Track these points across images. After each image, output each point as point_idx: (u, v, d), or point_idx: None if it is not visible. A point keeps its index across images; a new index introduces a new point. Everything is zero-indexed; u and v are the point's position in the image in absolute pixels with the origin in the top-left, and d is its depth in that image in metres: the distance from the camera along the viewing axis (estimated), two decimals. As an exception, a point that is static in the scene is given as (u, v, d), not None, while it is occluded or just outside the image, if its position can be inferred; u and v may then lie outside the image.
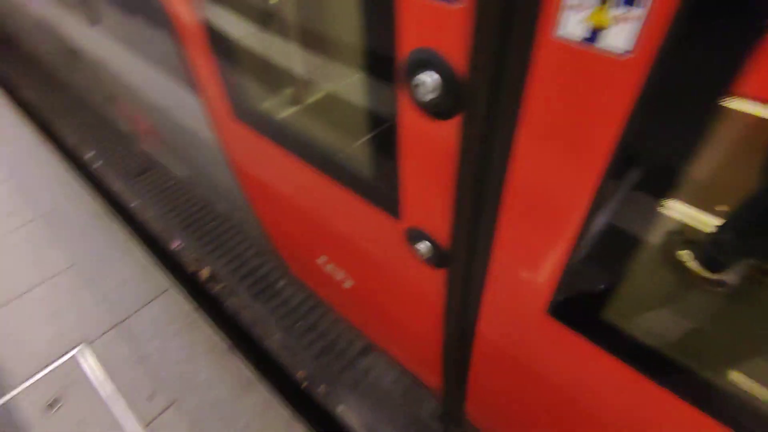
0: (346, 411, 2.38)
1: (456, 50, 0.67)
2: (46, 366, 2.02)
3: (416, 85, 0.73)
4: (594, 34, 0.53)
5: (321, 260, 1.66)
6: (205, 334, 2.12)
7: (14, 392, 1.94)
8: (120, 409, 1.87)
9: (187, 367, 1.99)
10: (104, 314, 2.21)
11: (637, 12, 0.48)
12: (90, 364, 2.02)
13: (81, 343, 2.10)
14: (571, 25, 0.54)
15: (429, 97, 0.73)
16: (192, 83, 1.49)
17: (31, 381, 1.98)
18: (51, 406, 1.90)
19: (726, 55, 0.47)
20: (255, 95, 1.36)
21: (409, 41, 0.72)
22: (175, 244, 3.14)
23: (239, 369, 1.99)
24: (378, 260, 1.33)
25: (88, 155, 3.85)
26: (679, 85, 0.50)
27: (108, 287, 2.33)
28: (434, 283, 1.12)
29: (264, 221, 1.89)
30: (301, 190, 1.42)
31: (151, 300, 2.26)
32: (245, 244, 3.13)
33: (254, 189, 1.70)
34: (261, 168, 1.52)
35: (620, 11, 0.49)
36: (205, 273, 3.00)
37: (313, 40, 1.36)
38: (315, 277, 1.95)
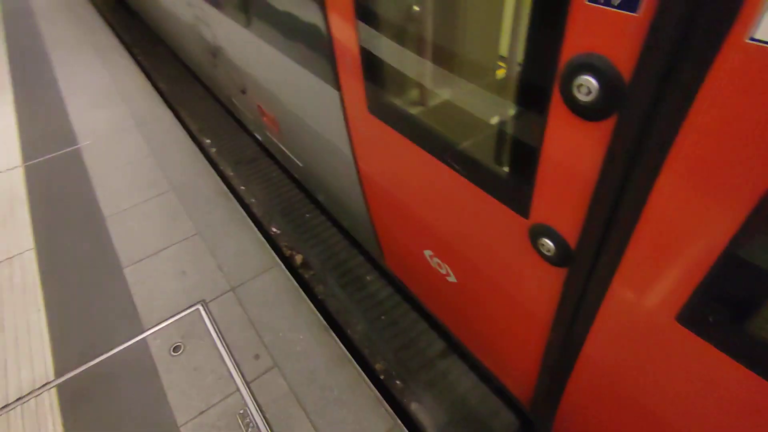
0: (420, 409, 2.44)
1: (625, 55, 0.70)
2: (172, 316, 2.34)
3: (577, 86, 0.77)
4: None
5: (427, 253, 1.74)
6: (305, 310, 2.31)
7: (148, 332, 2.27)
8: (230, 363, 2.10)
9: (288, 335, 2.19)
10: (221, 279, 2.50)
11: None
12: (208, 319, 2.30)
13: (201, 300, 2.40)
14: (764, 32, 0.55)
15: (587, 98, 0.77)
16: (333, 80, 1.64)
17: (161, 326, 2.29)
18: (175, 349, 2.19)
19: None
20: (393, 92, 1.47)
21: (573, 46, 0.77)
22: (273, 229, 3.44)
23: (333, 345, 2.15)
24: (490, 257, 1.37)
25: (206, 141, 4.36)
26: None
27: (225, 256, 2.63)
28: (550, 282, 1.14)
29: (374, 210, 2.01)
30: (423, 184, 1.49)
31: (261, 273, 2.52)
32: (336, 238, 3.35)
33: (373, 179, 1.82)
34: (386, 160, 1.63)
35: None
36: (298, 259, 3.26)
37: (455, 42, 1.45)
38: (414, 270, 2.03)
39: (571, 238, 0.99)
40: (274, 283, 2.46)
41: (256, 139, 4.28)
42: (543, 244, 1.06)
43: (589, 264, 0.97)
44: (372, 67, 1.38)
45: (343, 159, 1.94)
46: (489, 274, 1.43)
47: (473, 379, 2.50)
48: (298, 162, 2.79)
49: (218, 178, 3.24)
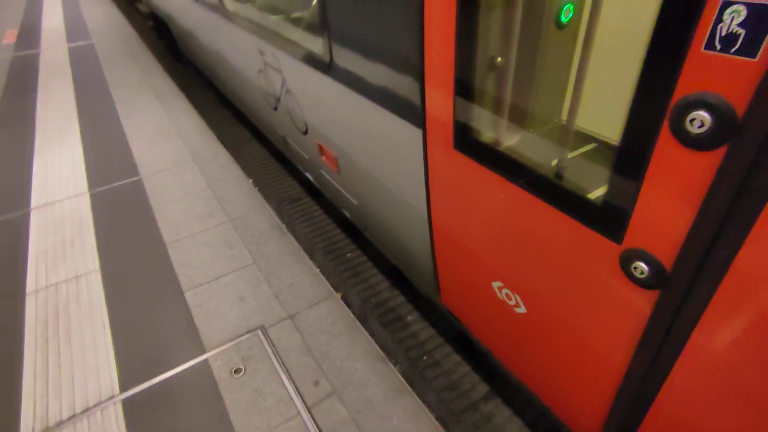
0: (465, 451, 2.44)
1: (739, 94, 0.82)
2: (233, 339, 2.44)
3: (690, 120, 0.89)
4: None
5: (496, 285, 1.84)
6: (362, 340, 2.41)
7: (209, 354, 2.37)
8: (290, 387, 2.18)
9: (346, 364, 2.28)
10: (278, 307, 2.62)
11: None
12: (267, 344, 2.40)
13: (261, 326, 2.51)
14: None
15: (699, 131, 0.88)
16: (419, 119, 1.77)
17: (222, 348, 2.40)
18: (236, 372, 2.28)
19: None
20: (481, 127, 1.59)
21: (689, 85, 0.89)
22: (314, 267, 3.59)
23: (391, 375, 2.23)
24: (570, 283, 1.42)
25: (249, 181, 4.63)
26: None
27: (281, 285, 2.77)
28: (637, 306, 1.20)
29: (439, 245, 2.13)
30: (504, 217, 1.57)
31: (318, 302, 2.64)
32: (378, 278, 3.46)
33: (446, 216, 1.94)
34: (466, 195, 1.72)
35: None
36: (339, 296, 3.37)
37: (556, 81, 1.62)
38: (476, 303, 2.11)
39: (667, 260, 1.08)
40: (330, 313, 2.57)
41: (300, 181, 4.53)
42: (636, 267, 1.15)
43: (685, 285, 1.05)
44: (462, 108, 1.54)
45: (414, 197, 2.06)
46: (566, 302, 1.48)
47: (519, 424, 2.51)
48: (353, 200, 2.97)
49: (272, 213, 3.44)
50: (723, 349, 1.08)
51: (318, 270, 2.92)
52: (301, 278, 2.83)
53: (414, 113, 1.78)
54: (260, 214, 3.43)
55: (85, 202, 3.66)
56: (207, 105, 6.43)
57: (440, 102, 1.60)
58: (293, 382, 2.21)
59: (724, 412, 1.15)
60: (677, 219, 1.02)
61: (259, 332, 2.47)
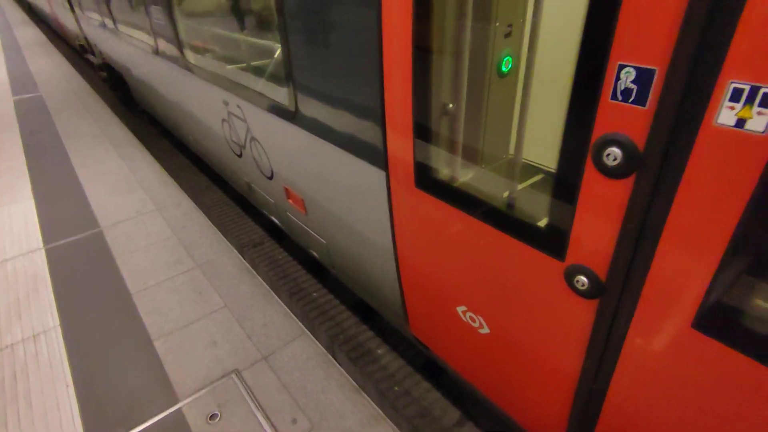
0: (441, 476, 2.52)
1: (639, 134, 1.03)
2: (207, 385, 2.45)
3: (607, 155, 1.09)
4: (741, 122, 0.87)
5: (460, 309, 2.02)
6: (335, 373, 2.49)
7: (183, 403, 2.35)
8: (268, 428, 2.21)
9: (322, 397, 2.34)
10: (252, 348, 2.66)
11: None
12: (242, 387, 2.42)
13: (235, 369, 2.53)
14: (726, 117, 0.88)
15: (614, 163, 1.08)
16: (382, 162, 1.92)
17: (196, 395, 2.39)
18: (212, 418, 2.28)
19: None
20: (439, 166, 1.76)
21: (603, 127, 1.09)
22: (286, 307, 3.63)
23: (367, 405, 2.31)
24: (527, 299, 1.57)
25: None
26: None
27: (254, 326, 2.81)
28: (583, 315, 1.38)
29: (406, 277, 2.25)
30: (465, 246, 1.73)
31: (290, 341, 2.70)
32: (344, 315, 3.55)
33: (411, 249, 2.06)
34: (428, 229, 1.86)
35: (758, 109, 0.85)
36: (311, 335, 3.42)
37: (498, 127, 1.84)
38: (442, 328, 2.26)
39: (602, 272, 1.26)
40: (303, 350, 2.64)
41: (262, 224, 4.60)
42: (578, 280, 1.32)
43: (618, 292, 1.24)
44: (420, 150, 1.72)
45: (379, 233, 2.19)
46: (523, 317, 1.63)
47: (491, 442, 2.63)
48: (321, 239, 3.10)
49: (240, 257, 3.50)
50: (653, 344, 1.26)
51: (287, 309, 2.99)
52: (273, 318, 2.89)
53: (377, 156, 1.94)
54: (229, 258, 3.48)
55: (41, 258, 3.55)
56: (164, 153, 6.42)
57: (401, 146, 1.78)
58: (271, 422, 2.24)
59: (663, 402, 1.31)
60: (606, 236, 1.21)
61: (234, 375, 2.49)
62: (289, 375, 2.48)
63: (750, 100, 0.86)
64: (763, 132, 0.86)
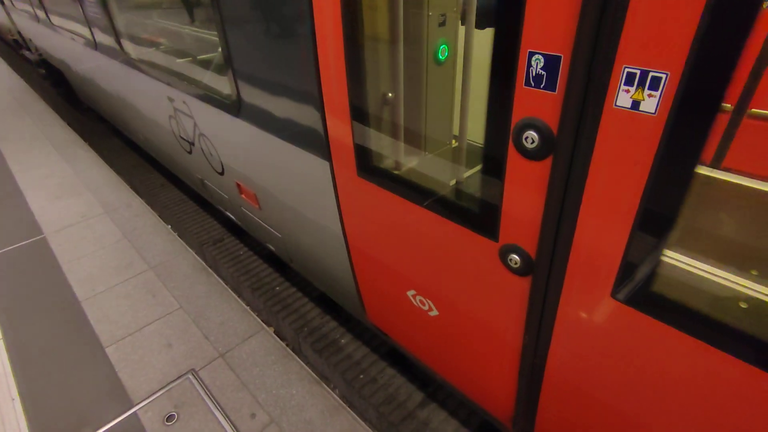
0: (406, 458, 2.59)
1: (552, 118, 1.09)
2: (162, 388, 2.40)
3: (525, 138, 1.15)
4: (636, 103, 0.95)
5: (410, 293, 2.05)
6: (295, 366, 2.49)
7: (137, 407, 2.30)
8: (227, 425, 2.20)
9: (282, 391, 2.35)
10: (208, 347, 2.62)
11: (659, 92, 0.91)
12: (199, 386, 2.39)
13: (191, 369, 2.49)
14: (623, 100, 0.96)
15: (532, 146, 1.15)
16: (325, 153, 1.95)
17: (151, 398, 2.34)
18: (169, 419, 2.24)
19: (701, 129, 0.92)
20: (379, 154, 1.80)
21: (520, 112, 1.16)
22: (243, 305, 3.59)
23: (327, 396, 2.34)
24: (468, 280, 1.63)
25: (168, 227, 4.51)
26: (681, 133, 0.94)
27: (211, 326, 2.77)
28: (518, 291, 1.45)
29: (358, 266, 2.26)
30: (407, 232, 1.78)
31: (248, 338, 2.68)
32: (308, 307, 3.55)
33: (359, 237, 2.08)
34: (372, 216, 1.89)
35: (648, 92, 0.93)
36: (270, 330, 3.40)
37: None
38: (396, 314, 2.31)
39: (532, 250, 1.33)
40: (262, 345, 2.63)
41: (221, 221, 4.51)
42: (511, 259, 1.39)
43: (547, 268, 1.30)
44: (361, 139, 1.74)
45: (329, 222, 2.21)
46: (467, 297, 1.70)
47: (455, 424, 2.72)
48: (276, 233, 3.07)
49: (195, 255, 3.42)
50: (582, 317, 1.34)
51: (248, 307, 2.96)
52: (231, 315, 2.85)
53: (320, 147, 1.96)
54: (183, 258, 3.39)
55: (-22, 269, 3.35)
56: (115, 153, 6.14)
57: (341, 136, 1.80)
58: (229, 419, 2.23)
59: (597, 372, 1.37)
60: (532, 216, 1.28)
61: (190, 375, 2.45)
62: (247, 371, 2.47)
63: (641, 84, 0.93)
64: (653, 113, 0.94)
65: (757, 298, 1.32)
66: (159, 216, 4.02)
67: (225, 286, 3.12)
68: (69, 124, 6.12)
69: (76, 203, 4.16)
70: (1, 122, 6.09)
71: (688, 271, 1.43)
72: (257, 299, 3.59)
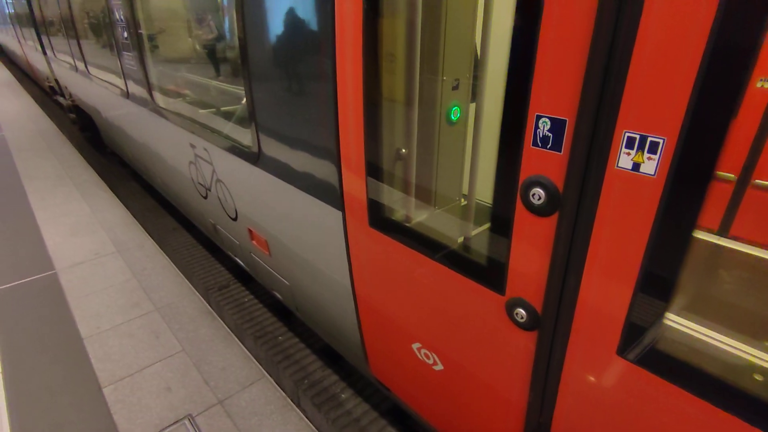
0: None
1: (558, 176, 1.14)
2: (160, 431, 2.35)
3: (533, 195, 1.19)
4: (637, 165, 1.00)
5: (415, 346, 2.00)
6: (296, 418, 2.44)
7: (130, 452, 2.24)
8: (221, 477, 2.12)
9: (280, 444, 2.28)
10: (208, 393, 2.58)
11: (657, 156, 0.97)
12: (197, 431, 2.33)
13: (188, 415, 2.44)
14: (625, 161, 1.01)
15: (539, 202, 1.19)
16: (338, 203, 2.02)
17: (145, 444, 2.28)
18: (161, 468, 2.17)
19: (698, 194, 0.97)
20: (390, 207, 1.83)
21: (528, 170, 1.21)
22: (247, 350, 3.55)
23: (325, 451, 2.26)
24: (474, 333, 1.63)
25: (178, 269, 4.56)
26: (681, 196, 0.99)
27: (211, 371, 2.75)
28: (524, 347, 1.44)
29: (364, 317, 2.26)
30: (416, 283, 1.80)
31: (249, 385, 2.65)
32: (310, 359, 3.50)
33: (367, 288, 2.09)
34: (382, 267, 1.93)
35: (647, 155, 0.98)
36: (271, 379, 3.34)
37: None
38: (400, 368, 2.27)
39: (538, 305, 1.33)
40: (262, 394, 2.59)
41: (229, 268, 4.56)
42: (517, 313, 1.40)
43: (553, 324, 1.31)
44: (374, 192, 1.82)
45: (338, 271, 2.24)
46: (472, 351, 1.69)
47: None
48: (285, 281, 3.11)
49: (201, 298, 3.45)
50: (588, 374, 1.34)
51: (250, 354, 2.95)
52: (233, 361, 2.83)
53: (334, 197, 2.03)
54: (190, 301, 3.42)
55: (-13, 301, 3.38)
56: (132, 195, 6.35)
57: (355, 187, 1.88)
58: (224, 470, 2.16)
59: (604, 426, 1.37)
60: (538, 270, 1.30)
61: (186, 421, 2.40)
62: (245, 420, 2.42)
63: (641, 147, 1.00)
64: (653, 174, 1.00)
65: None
66: (169, 258, 4.10)
67: (229, 331, 3.12)
68: (91, 166, 6.40)
69: (90, 241, 4.27)
70: (30, 161, 6.37)
71: (694, 334, 1.43)
72: (259, 347, 3.55)
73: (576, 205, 1.15)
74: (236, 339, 3.05)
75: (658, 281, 1.11)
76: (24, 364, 2.79)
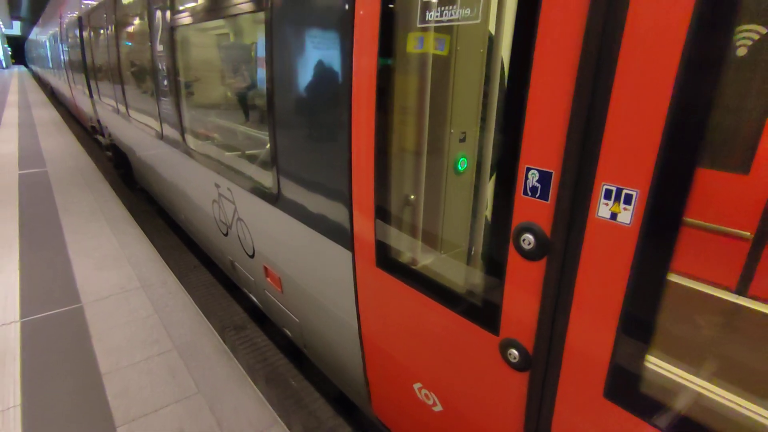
0: None
1: (546, 223, 1.23)
2: (167, 477, 2.31)
3: (523, 240, 1.29)
4: (614, 215, 1.09)
5: (416, 386, 1.99)
6: (306, 468, 2.37)
7: (139, 497, 2.20)
8: None
9: (290, 496, 2.21)
10: (220, 437, 2.55)
11: (631, 206, 1.06)
12: (205, 480, 2.29)
13: (199, 460, 2.41)
14: (604, 211, 1.11)
15: (529, 247, 1.28)
16: (348, 243, 2.12)
17: (155, 489, 2.24)
18: None
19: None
20: (396, 248, 1.93)
21: (519, 217, 1.31)
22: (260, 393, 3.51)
23: (335, 507, 2.18)
24: (469, 374, 1.67)
25: (197, 307, 4.62)
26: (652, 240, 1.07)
27: (224, 412, 2.72)
28: (517, 388, 1.46)
29: (369, 356, 2.28)
30: (416, 323, 1.85)
31: (264, 429, 2.61)
32: (319, 403, 3.44)
33: (372, 326, 2.14)
34: (386, 306, 1.98)
35: (623, 206, 1.08)
36: (283, 425, 3.27)
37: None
38: (402, 408, 2.22)
39: (529, 345, 1.39)
40: (275, 440, 2.54)
41: (246, 308, 4.61)
42: (510, 353, 1.44)
43: (544, 365, 1.35)
44: (382, 234, 1.93)
45: (346, 309, 2.29)
46: (469, 392, 1.70)
47: None
48: (295, 318, 3.15)
49: (218, 337, 3.47)
50: (577, 417, 1.34)
51: (263, 397, 2.92)
52: (246, 403, 2.81)
53: (345, 238, 2.14)
54: (208, 340, 3.45)
55: (14, 332, 3.48)
56: (157, 232, 6.57)
57: (365, 229, 1.99)
58: None
59: None
60: (529, 312, 1.36)
61: (198, 467, 2.36)
62: (256, 469, 2.36)
63: (618, 199, 1.09)
64: (629, 223, 1.09)
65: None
66: (190, 296, 4.17)
67: (243, 372, 3.11)
68: (123, 202, 6.69)
69: (117, 275, 4.40)
70: (68, 196, 6.73)
71: (679, 380, 1.51)
72: (271, 390, 3.51)
73: (563, 251, 1.23)
74: (250, 381, 3.04)
75: (637, 324, 1.15)
76: (43, 396, 2.83)
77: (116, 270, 4.52)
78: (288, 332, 3.54)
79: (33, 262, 4.63)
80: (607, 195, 1.11)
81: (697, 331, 2.18)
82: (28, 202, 6.43)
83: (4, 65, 63.67)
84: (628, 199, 1.07)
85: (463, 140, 2.05)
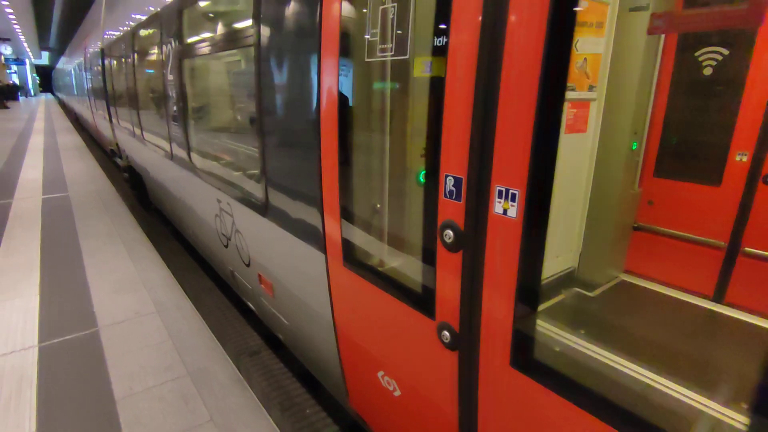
0: None
1: (460, 220, 1.48)
2: None
3: (445, 235, 1.53)
4: (505, 211, 1.32)
5: (380, 374, 2.17)
6: (320, 504, 2.29)
7: None
8: None
9: None
10: (232, 469, 2.50)
11: (516, 203, 1.29)
12: None
13: (211, 493, 2.35)
14: (498, 208, 1.35)
15: (450, 241, 1.53)
16: (321, 244, 2.37)
17: None
18: None
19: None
20: (358, 248, 2.19)
21: (442, 216, 1.55)
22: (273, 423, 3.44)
23: None
24: (414, 357, 1.87)
25: (211, 332, 4.61)
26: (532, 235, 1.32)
27: (237, 444, 2.67)
28: (452, 367, 1.65)
29: (343, 350, 2.47)
30: (376, 314, 2.08)
31: (274, 462, 2.54)
32: (333, 432, 3.35)
33: (343, 321, 2.35)
34: (352, 301, 2.21)
35: (511, 203, 1.31)
36: (294, 453, 3.19)
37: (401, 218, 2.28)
38: (371, 398, 2.37)
39: (456, 326, 1.61)
40: (287, 474, 2.47)
41: (260, 332, 4.58)
42: (443, 335, 1.66)
43: (467, 343, 1.57)
44: (347, 236, 2.17)
45: (323, 308, 2.51)
46: (417, 375, 1.90)
47: None
48: (285, 321, 3.32)
49: (232, 363, 3.45)
50: (497, 388, 1.54)
51: (277, 428, 2.86)
52: (258, 435, 2.75)
53: (319, 241, 2.39)
54: (221, 367, 3.42)
55: (32, 357, 3.51)
56: (172, 253, 6.63)
57: (334, 232, 2.24)
58: None
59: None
60: (454, 297, 1.58)
61: (210, 501, 2.31)
62: (268, 504, 2.29)
63: (507, 197, 1.32)
64: (515, 217, 1.32)
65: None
66: (204, 320, 4.17)
67: (258, 402, 3.06)
68: (139, 225, 6.81)
69: (132, 299, 4.44)
70: (87, 220, 6.88)
71: (569, 346, 1.85)
72: (286, 420, 3.44)
73: (474, 242, 1.45)
74: (264, 410, 2.99)
75: (529, 300, 1.39)
76: (57, 426, 2.82)
77: (131, 294, 4.56)
78: (280, 336, 3.75)
79: (52, 287, 4.70)
80: (500, 195, 1.34)
81: (584, 303, 2.54)
82: (50, 227, 6.59)
83: (33, 93, 66.52)
84: (513, 198, 1.31)
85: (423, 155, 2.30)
